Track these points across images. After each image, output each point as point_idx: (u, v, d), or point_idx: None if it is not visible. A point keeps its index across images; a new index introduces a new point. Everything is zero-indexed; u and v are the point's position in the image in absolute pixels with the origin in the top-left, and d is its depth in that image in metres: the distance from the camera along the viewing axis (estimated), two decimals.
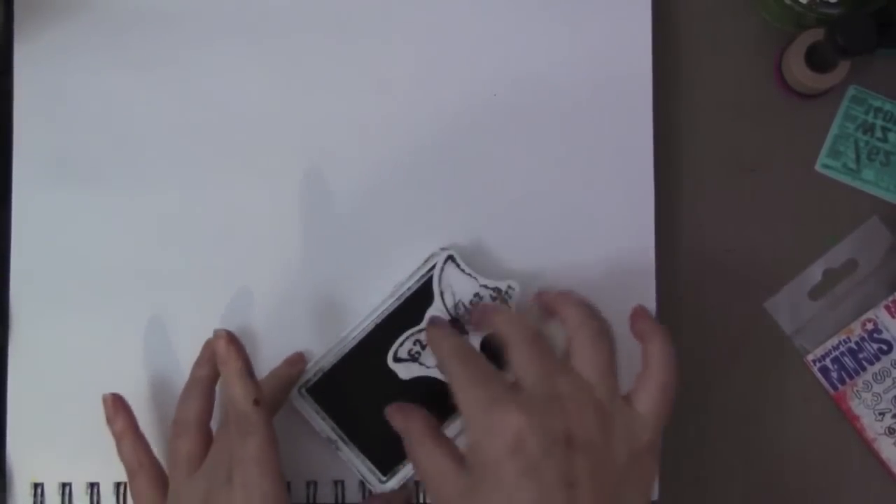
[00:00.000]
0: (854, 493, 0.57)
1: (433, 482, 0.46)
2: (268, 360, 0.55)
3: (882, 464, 0.57)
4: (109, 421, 0.52)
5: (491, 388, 0.45)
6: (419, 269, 0.54)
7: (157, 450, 0.53)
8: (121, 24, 0.56)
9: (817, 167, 0.58)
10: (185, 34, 0.56)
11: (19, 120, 0.55)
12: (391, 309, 0.53)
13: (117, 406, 0.52)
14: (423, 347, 0.53)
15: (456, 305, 0.53)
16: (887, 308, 0.56)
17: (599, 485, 0.43)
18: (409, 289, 0.53)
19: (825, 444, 0.57)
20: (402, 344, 0.53)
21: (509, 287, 0.53)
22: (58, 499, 0.54)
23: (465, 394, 0.46)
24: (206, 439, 0.50)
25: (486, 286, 0.53)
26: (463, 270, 0.53)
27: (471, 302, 0.53)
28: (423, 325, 0.53)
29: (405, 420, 0.48)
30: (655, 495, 0.55)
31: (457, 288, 0.53)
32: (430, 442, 0.47)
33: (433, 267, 0.53)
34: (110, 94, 0.55)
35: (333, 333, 0.55)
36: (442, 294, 0.53)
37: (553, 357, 0.47)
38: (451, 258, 0.53)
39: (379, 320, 0.53)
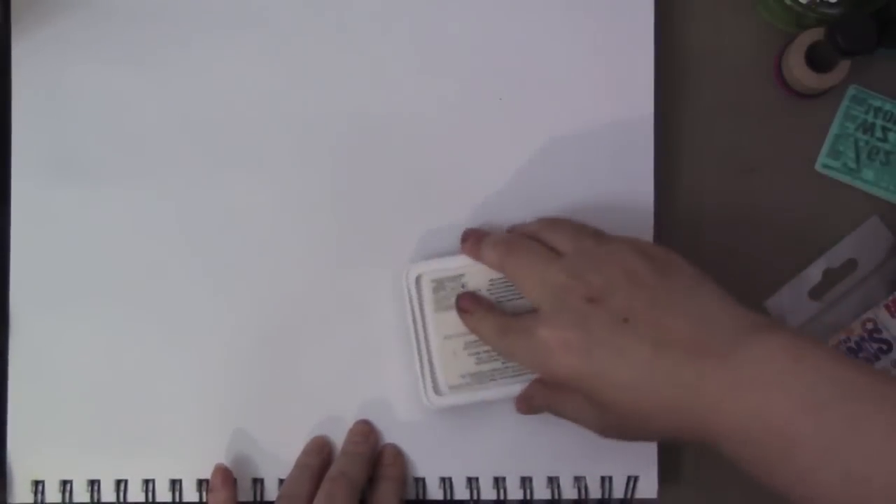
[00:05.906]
0: None
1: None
2: (268, 360, 0.55)
3: None
4: (213, 490, 0.54)
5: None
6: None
7: (157, 448, 0.54)
8: (119, 21, 0.55)
9: (817, 167, 0.58)
10: (184, 30, 0.55)
11: (18, 118, 0.55)
12: None
13: (226, 480, 0.54)
14: None
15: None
16: (887, 308, 0.56)
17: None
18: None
19: None
20: None
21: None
22: (58, 496, 0.55)
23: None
24: None
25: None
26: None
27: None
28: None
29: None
30: (655, 495, 0.55)
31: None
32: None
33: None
34: (109, 91, 0.55)
35: (335, 333, 0.55)
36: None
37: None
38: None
39: None
